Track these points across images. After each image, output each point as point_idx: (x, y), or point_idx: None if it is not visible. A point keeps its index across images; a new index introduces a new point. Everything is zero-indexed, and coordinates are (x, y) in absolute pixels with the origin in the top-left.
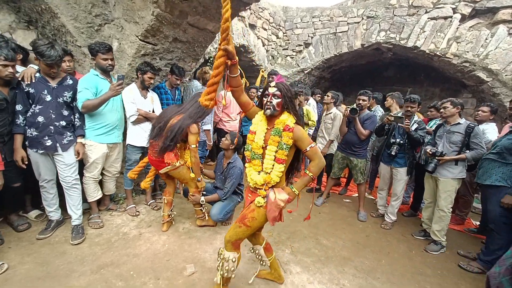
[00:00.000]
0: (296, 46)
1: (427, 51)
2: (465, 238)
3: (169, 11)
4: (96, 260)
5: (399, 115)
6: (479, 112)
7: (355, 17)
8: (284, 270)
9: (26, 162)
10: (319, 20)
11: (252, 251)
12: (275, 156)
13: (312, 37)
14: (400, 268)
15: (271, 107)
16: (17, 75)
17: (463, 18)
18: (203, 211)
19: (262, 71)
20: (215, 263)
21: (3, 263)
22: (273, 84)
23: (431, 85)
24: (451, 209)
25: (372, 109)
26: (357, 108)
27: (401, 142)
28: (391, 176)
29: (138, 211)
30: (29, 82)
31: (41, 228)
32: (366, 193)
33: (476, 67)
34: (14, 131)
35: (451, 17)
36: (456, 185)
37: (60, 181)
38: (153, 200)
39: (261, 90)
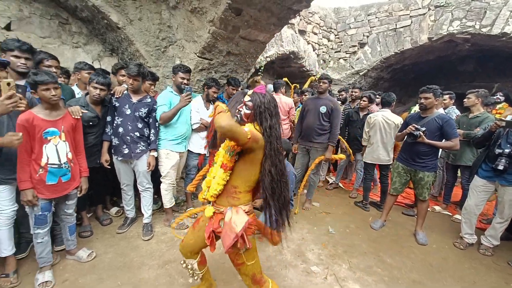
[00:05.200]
0: (350, 47)
1: None
2: None
3: (223, 28)
4: (162, 256)
5: None
6: None
7: (419, 8)
8: (341, 287)
9: (109, 166)
10: (376, 17)
11: (184, 264)
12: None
13: (367, 36)
14: None
15: (238, 115)
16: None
17: None
18: None
19: (314, 77)
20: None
21: (92, 251)
22: (250, 92)
23: None
24: None
25: (446, 110)
26: None
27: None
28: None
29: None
30: (118, 97)
31: (119, 223)
32: (440, 208)
33: None
34: (103, 138)
35: None
36: None
37: (137, 185)
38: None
39: (308, 92)
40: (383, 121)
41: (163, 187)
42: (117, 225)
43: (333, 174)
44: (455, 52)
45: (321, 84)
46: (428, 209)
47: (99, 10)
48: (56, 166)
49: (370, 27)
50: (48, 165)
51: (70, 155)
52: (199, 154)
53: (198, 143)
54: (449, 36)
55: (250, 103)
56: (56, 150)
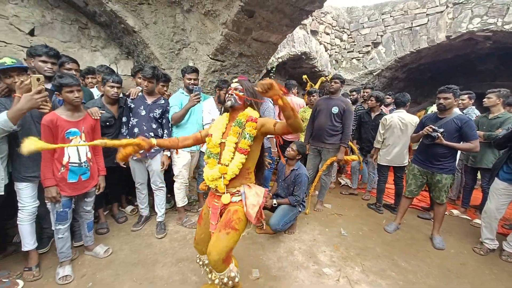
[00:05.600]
0: (363, 47)
1: None
2: None
3: (236, 30)
4: (175, 254)
5: None
6: None
7: (436, 6)
8: None
9: (125, 166)
10: (390, 16)
11: (199, 262)
12: (236, 146)
13: (381, 36)
14: None
15: (232, 98)
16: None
17: None
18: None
19: (325, 77)
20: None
21: (109, 248)
22: (235, 80)
23: None
24: None
25: (465, 111)
26: None
27: None
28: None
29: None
30: (133, 98)
31: (134, 221)
32: (459, 212)
33: None
34: (119, 138)
35: None
36: None
37: (151, 184)
38: None
39: (315, 93)
40: (400, 122)
41: (176, 186)
42: (132, 223)
43: (345, 176)
44: (475, 50)
45: (332, 84)
46: (446, 212)
47: (117, 15)
48: (77, 164)
49: (385, 26)
50: (70, 164)
51: (89, 155)
52: None
53: None
54: (468, 34)
55: (240, 87)
56: (77, 150)
